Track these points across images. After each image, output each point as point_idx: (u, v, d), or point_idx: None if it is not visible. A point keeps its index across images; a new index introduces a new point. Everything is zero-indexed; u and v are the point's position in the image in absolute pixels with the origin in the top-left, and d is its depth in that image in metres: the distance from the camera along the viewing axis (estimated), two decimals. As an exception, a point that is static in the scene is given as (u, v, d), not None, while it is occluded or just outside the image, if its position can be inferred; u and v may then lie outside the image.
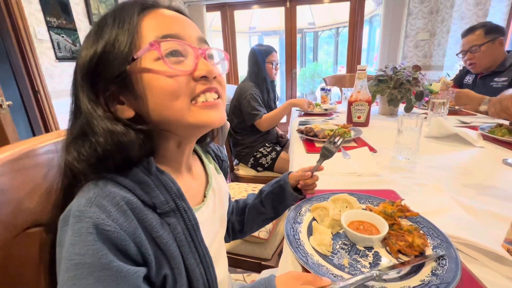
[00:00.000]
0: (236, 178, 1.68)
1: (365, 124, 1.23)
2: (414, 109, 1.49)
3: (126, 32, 0.33)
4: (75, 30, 2.33)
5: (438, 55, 3.32)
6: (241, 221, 0.60)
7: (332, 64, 6.94)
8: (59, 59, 2.16)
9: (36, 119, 1.99)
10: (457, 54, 1.59)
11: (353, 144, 0.96)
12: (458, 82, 1.73)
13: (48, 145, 0.48)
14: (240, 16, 4.71)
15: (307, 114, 1.61)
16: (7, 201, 0.39)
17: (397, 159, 0.80)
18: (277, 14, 5.78)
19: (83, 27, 2.43)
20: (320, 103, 1.77)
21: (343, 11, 4.53)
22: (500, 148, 0.86)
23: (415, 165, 0.76)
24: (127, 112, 0.34)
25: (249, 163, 1.65)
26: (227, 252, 0.97)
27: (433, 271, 0.34)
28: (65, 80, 2.25)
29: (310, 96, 6.33)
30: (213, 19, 5.04)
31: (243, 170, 1.68)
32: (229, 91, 1.76)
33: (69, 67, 2.29)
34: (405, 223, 0.44)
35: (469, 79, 1.65)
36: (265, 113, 1.55)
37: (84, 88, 0.33)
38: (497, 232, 0.42)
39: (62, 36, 2.19)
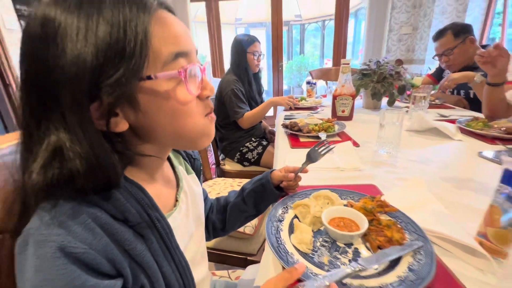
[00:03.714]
0: (222, 173, 1.67)
1: (349, 118, 1.24)
2: (397, 103, 1.52)
3: (133, 39, 0.27)
4: (49, 19, 2.19)
5: (420, 49, 3.40)
6: (222, 219, 0.59)
7: (318, 57, 6.96)
8: (31, 50, 2.04)
9: (8, 114, 1.88)
10: (433, 57, 1.63)
11: (337, 138, 0.96)
12: (438, 76, 1.78)
13: (12, 146, 0.45)
14: (226, 7, 4.59)
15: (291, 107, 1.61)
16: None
17: (379, 154, 0.81)
18: (263, 6, 5.70)
19: (58, 16, 2.29)
20: (305, 96, 1.77)
21: (329, 4, 4.51)
22: (476, 141, 0.89)
23: (396, 159, 0.77)
24: (121, 125, 0.30)
25: (235, 158, 1.63)
26: (213, 249, 0.97)
27: (410, 266, 0.35)
28: (40, 73, 2.13)
29: (297, 89, 6.36)
30: (198, 9, 4.90)
31: (229, 165, 1.66)
32: (214, 84, 1.72)
33: (44, 59, 2.17)
34: (384, 217, 0.44)
35: (447, 72, 1.69)
36: (247, 110, 1.53)
37: (65, 98, 0.26)
38: (472, 225, 0.43)
39: (34, 26, 2.06)
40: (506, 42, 2.78)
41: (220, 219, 0.59)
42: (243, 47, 1.55)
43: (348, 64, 1.18)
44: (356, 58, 5.38)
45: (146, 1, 0.29)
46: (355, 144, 0.89)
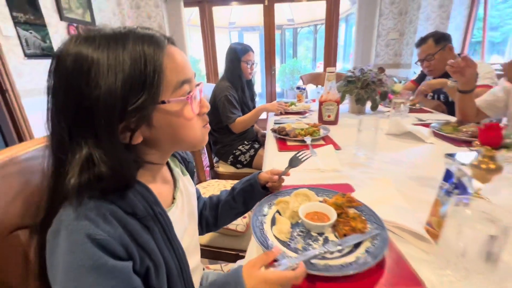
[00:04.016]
0: (216, 175, 1.73)
1: (335, 122, 1.32)
2: (380, 107, 1.62)
3: (152, 72, 0.34)
4: (45, 25, 2.23)
5: (407, 54, 3.53)
6: (215, 215, 0.66)
7: (311, 60, 7.10)
8: (28, 56, 2.07)
9: (5, 120, 1.91)
10: (416, 63, 1.74)
11: (321, 142, 1.05)
12: (420, 81, 1.89)
13: (28, 153, 0.51)
14: (220, 11, 4.65)
15: (282, 112, 1.69)
16: (-6, 205, 0.42)
17: (357, 156, 0.89)
18: (257, 10, 5.79)
19: (53, 23, 2.33)
20: (295, 101, 1.85)
21: (320, 9, 4.62)
22: (446, 144, 0.98)
23: (372, 161, 0.85)
24: (138, 138, 0.37)
25: (229, 160, 1.70)
26: (207, 246, 1.03)
27: (367, 249, 0.43)
28: (35, 78, 2.16)
29: (290, 92, 6.46)
30: (192, 13, 4.95)
31: (223, 167, 1.73)
32: (208, 90, 1.79)
33: (39, 65, 2.20)
34: (352, 211, 0.52)
35: (429, 78, 1.81)
36: (239, 116, 1.61)
37: (98, 121, 0.32)
38: (425, 216, 0.51)
39: (31, 32, 2.10)
40: (487, 45, 2.94)
41: (213, 215, 0.67)
42: (237, 56, 1.62)
43: (333, 72, 1.27)
44: (347, 61, 5.51)
45: (159, 40, 0.37)
46: (337, 147, 0.98)
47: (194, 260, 0.55)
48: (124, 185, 0.37)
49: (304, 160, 0.63)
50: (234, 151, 1.68)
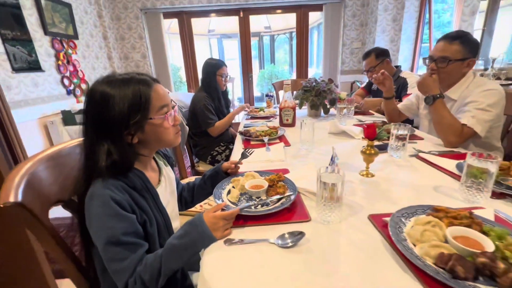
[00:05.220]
0: (197, 174, 1.98)
1: (292, 125, 1.62)
2: (332, 111, 1.94)
3: (144, 101, 0.60)
4: (30, 40, 2.38)
5: (368, 62, 3.94)
6: (191, 195, 0.92)
7: (288, 66, 7.48)
8: (15, 70, 2.22)
9: (-4, 130, 2.04)
10: (362, 73, 2.10)
11: (277, 140, 1.33)
12: (368, 88, 2.25)
13: (61, 151, 0.75)
14: (199, 19, 4.86)
15: (252, 117, 1.97)
16: (45, 185, 0.66)
17: (301, 150, 1.18)
18: (234, 18, 6.08)
19: (38, 37, 2.48)
20: (264, 107, 2.14)
21: (293, 19, 4.98)
22: (370, 139, 1.30)
23: (310, 153, 1.15)
24: (135, 140, 0.63)
25: (208, 160, 1.95)
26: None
27: (282, 203, 0.71)
28: (23, 90, 2.30)
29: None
30: (171, 22, 5.14)
31: (202, 167, 1.98)
32: (188, 99, 2.04)
33: (26, 78, 2.34)
34: (280, 183, 0.80)
35: (375, 86, 2.17)
36: (216, 121, 1.87)
37: (113, 131, 0.58)
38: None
39: (18, 48, 2.24)
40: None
41: (190, 195, 0.92)
42: (213, 70, 1.89)
43: (289, 84, 1.56)
44: (319, 67, 5.92)
45: (149, 82, 0.63)
46: (288, 144, 1.26)
47: (175, 223, 0.80)
48: (127, 169, 0.62)
49: (250, 154, 0.91)
50: (212, 152, 1.94)
